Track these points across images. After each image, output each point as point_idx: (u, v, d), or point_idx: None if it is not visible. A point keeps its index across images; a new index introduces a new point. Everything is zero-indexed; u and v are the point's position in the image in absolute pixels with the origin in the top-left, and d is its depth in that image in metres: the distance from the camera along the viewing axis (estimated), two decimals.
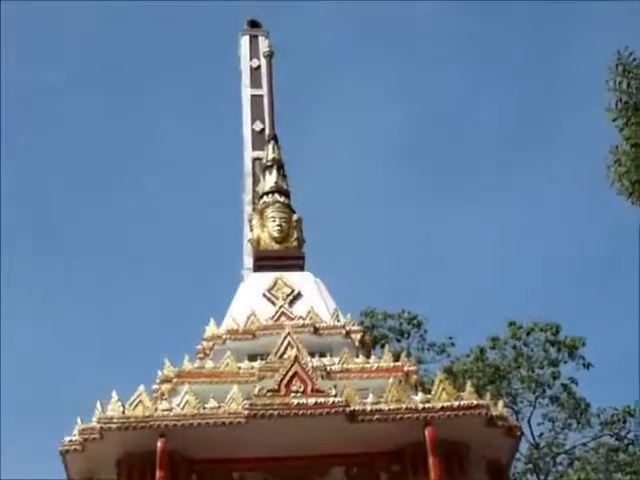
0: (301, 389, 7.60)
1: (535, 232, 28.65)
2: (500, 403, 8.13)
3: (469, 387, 7.91)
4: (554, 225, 27.72)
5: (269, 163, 10.32)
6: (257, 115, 11.33)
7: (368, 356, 8.54)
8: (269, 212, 9.83)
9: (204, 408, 7.54)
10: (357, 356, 8.49)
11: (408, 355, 9.96)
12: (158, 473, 7.32)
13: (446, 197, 28.65)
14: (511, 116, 29.61)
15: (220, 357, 8.43)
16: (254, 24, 12.07)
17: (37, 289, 26.88)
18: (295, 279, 9.36)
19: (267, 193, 10.05)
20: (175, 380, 8.22)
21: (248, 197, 10.95)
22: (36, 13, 25.87)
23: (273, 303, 9.10)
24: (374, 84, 28.24)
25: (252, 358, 8.49)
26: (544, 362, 18.25)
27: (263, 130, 11.16)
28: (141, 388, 7.75)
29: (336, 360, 8.38)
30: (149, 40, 29.16)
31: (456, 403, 7.59)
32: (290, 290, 9.21)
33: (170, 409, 7.58)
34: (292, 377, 7.66)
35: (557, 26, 27.51)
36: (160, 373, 8.48)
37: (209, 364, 8.36)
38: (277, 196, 9.98)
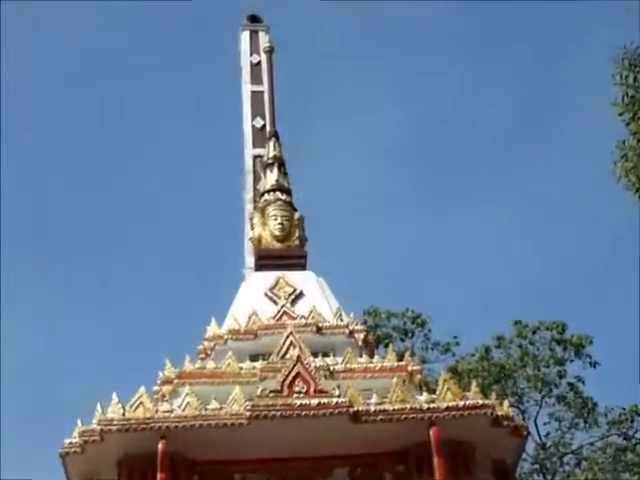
0: (304, 389, 7.56)
1: (539, 230, 28.60)
2: (506, 403, 8.10)
3: (474, 387, 7.88)
4: (559, 223, 27.67)
5: (270, 160, 10.27)
6: (258, 112, 11.26)
7: (372, 356, 8.51)
8: (270, 210, 9.77)
9: (205, 409, 7.51)
10: (360, 356, 8.44)
11: (412, 354, 9.95)
12: (159, 475, 7.29)
13: (449, 195, 28.62)
14: (512, 117, 29.57)
15: (221, 357, 8.39)
16: (254, 19, 12.00)
17: (37, 290, 26.89)
18: (297, 278, 9.31)
19: (268, 191, 9.99)
20: (176, 381, 8.18)
21: (249, 195, 10.88)
22: (36, 13, 25.87)
23: (275, 302, 9.05)
24: (375, 83, 28.22)
25: (254, 358, 8.45)
26: (550, 361, 18.17)
27: (264, 127, 11.09)
28: (142, 389, 7.72)
29: (339, 360, 8.34)
30: (148, 37, 29.21)
31: (461, 403, 7.55)
32: (292, 289, 9.16)
33: (171, 410, 7.56)
34: (295, 377, 7.63)
35: (558, 26, 27.49)
36: (161, 374, 8.45)
37: (210, 365, 8.32)
38: (278, 194, 9.93)
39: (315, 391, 7.54)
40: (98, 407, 7.64)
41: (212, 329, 8.91)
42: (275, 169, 10.13)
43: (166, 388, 8.22)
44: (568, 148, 27.98)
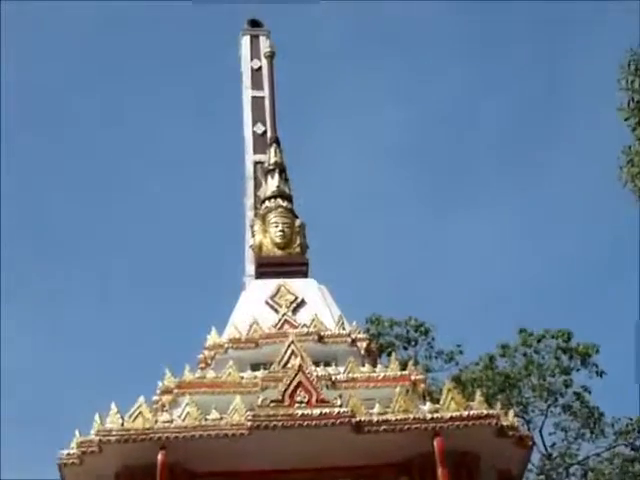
0: (305, 399, 7.51)
1: (543, 235, 28.50)
2: (511, 413, 8.03)
3: (479, 396, 7.82)
4: (560, 225, 27.55)
5: (271, 167, 10.21)
6: (258, 117, 11.23)
7: (374, 365, 8.45)
8: (271, 217, 9.72)
9: (206, 419, 7.46)
10: (363, 365, 8.39)
11: (415, 363, 9.89)
12: None
13: (450, 198, 28.55)
14: (513, 117, 29.52)
15: (222, 367, 8.33)
16: (255, 23, 11.95)
17: (36, 296, 26.93)
18: (298, 286, 9.25)
19: (269, 198, 9.93)
20: (176, 391, 8.12)
21: (250, 202, 10.83)
22: (36, 13, 25.90)
23: (276, 311, 8.98)
24: (375, 83, 28.22)
25: (255, 367, 8.40)
26: (556, 370, 18.07)
27: (265, 133, 11.05)
28: (141, 399, 7.67)
29: (341, 369, 8.29)
30: (149, 40, 29.22)
31: (465, 413, 7.49)
32: (293, 297, 9.10)
33: (171, 421, 7.52)
34: (296, 387, 7.58)
35: (558, 27, 27.48)
36: (160, 384, 8.38)
37: (211, 374, 8.26)
38: (279, 201, 9.87)
39: (317, 401, 7.49)
40: (96, 417, 7.58)
41: (212, 338, 8.85)
42: (276, 175, 10.08)
43: (166, 398, 8.17)
44: (569, 148, 28.00)
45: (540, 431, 18.09)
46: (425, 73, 28.67)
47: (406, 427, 7.37)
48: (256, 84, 11.47)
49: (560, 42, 28.40)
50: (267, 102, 11.03)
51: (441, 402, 7.63)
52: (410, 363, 8.62)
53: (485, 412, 7.51)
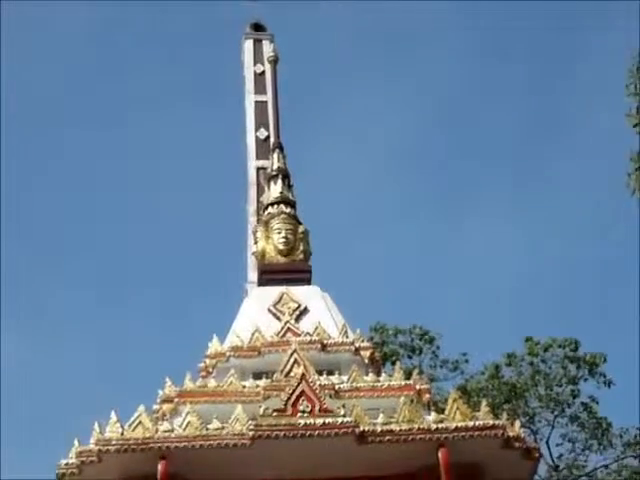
0: (308, 409, 7.46)
1: (548, 244, 28.34)
2: (517, 423, 7.96)
3: (484, 406, 7.78)
4: (570, 236, 27.41)
5: (274, 173, 10.14)
6: (261, 122, 11.17)
7: (378, 374, 8.41)
8: (274, 223, 9.65)
9: (207, 429, 7.42)
10: (367, 374, 8.33)
11: (420, 373, 9.81)
12: None
13: (457, 208, 28.50)
14: (520, 121, 29.43)
15: (223, 375, 8.29)
16: (258, 27, 11.92)
17: (34, 305, 26.89)
18: (301, 293, 9.19)
19: (272, 204, 9.87)
20: (176, 400, 8.08)
21: (252, 208, 10.81)
22: (36, 13, 25.97)
23: (278, 319, 8.93)
24: (380, 90, 28.21)
25: (257, 376, 8.35)
26: (563, 380, 17.93)
27: (267, 138, 11.02)
28: (141, 408, 7.64)
29: (345, 378, 8.24)
30: (149, 43, 29.27)
31: (471, 423, 7.44)
32: (296, 305, 9.04)
33: (171, 430, 7.48)
34: (299, 396, 7.53)
35: (561, 28, 27.41)
36: (161, 392, 8.33)
37: (212, 383, 8.21)
38: (282, 207, 9.80)
39: (320, 410, 7.44)
40: (96, 426, 7.53)
41: (214, 346, 8.80)
42: (279, 181, 10.02)
43: (166, 407, 8.12)
44: (575, 153, 27.96)
45: (547, 442, 17.95)
46: (428, 79, 28.74)
47: (410, 438, 7.32)
48: (259, 89, 11.44)
49: (563, 43, 28.42)
50: (270, 107, 10.97)
51: (446, 412, 7.59)
52: (415, 372, 8.60)
53: (491, 423, 7.46)
